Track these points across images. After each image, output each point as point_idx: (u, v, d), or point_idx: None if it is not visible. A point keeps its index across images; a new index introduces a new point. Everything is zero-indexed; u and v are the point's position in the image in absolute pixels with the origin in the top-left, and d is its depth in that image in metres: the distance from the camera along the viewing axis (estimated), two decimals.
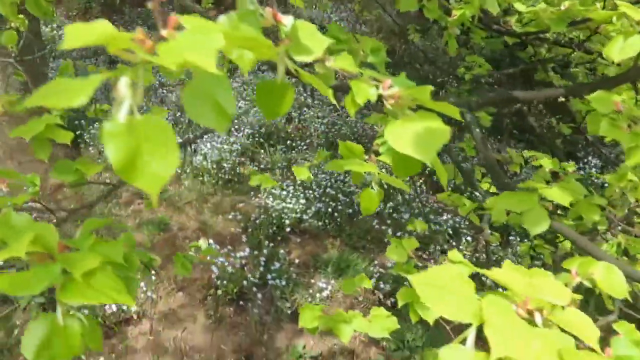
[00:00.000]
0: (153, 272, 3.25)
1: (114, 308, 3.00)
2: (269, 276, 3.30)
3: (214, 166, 4.26)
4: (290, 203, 3.88)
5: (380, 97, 0.62)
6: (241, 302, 3.29)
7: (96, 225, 0.81)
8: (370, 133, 4.92)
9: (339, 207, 4.00)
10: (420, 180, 4.53)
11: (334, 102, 0.61)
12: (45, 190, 4.21)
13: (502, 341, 0.76)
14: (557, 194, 1.35)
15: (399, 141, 0.58)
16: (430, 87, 0.57)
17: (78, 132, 4.50)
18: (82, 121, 4.55)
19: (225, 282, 3.27)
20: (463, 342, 0.66)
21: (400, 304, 1.38)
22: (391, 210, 4.09)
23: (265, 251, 3.48)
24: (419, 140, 0.57)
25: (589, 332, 0.84)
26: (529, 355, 0.76)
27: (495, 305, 0.83)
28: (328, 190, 4.11)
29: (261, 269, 3.36)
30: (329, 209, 3.96)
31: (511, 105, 3.13)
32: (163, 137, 0.49)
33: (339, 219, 3.96)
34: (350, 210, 4.06)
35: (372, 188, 1.53)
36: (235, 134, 4.74)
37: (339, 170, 1.34)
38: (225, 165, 4.30)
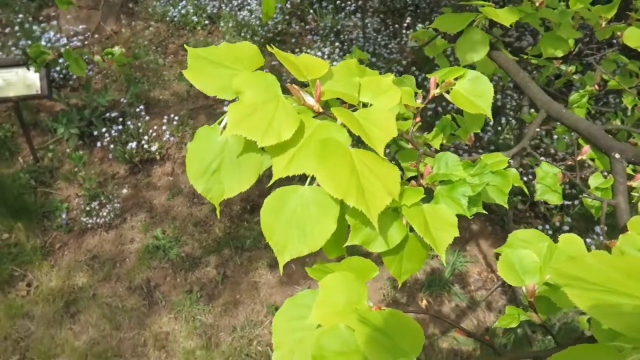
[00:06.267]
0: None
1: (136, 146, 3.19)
2: None
3: (258, 22, 4.13)
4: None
5: None
6: None
7: None
8: None
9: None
10: None
11: None
12: (102, 36, 4.41)
13: (238, 120, 0.67)
14: (502, 14, 1.11)
15: None
16: None
17: None
18: None
19: None
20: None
21: None
22: None
23: None
24: None
25: (380, 134, 0.70)
26: (265, 140, 0.66)
27: (251, 81, 0.71)
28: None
29: None
30: None
31: None
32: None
33: None
34: None
35: None
36: None
37: None
38: (269, 22, 4.15)
